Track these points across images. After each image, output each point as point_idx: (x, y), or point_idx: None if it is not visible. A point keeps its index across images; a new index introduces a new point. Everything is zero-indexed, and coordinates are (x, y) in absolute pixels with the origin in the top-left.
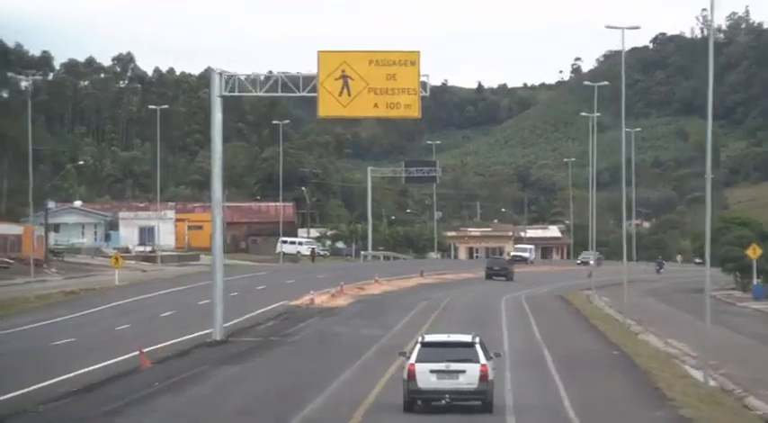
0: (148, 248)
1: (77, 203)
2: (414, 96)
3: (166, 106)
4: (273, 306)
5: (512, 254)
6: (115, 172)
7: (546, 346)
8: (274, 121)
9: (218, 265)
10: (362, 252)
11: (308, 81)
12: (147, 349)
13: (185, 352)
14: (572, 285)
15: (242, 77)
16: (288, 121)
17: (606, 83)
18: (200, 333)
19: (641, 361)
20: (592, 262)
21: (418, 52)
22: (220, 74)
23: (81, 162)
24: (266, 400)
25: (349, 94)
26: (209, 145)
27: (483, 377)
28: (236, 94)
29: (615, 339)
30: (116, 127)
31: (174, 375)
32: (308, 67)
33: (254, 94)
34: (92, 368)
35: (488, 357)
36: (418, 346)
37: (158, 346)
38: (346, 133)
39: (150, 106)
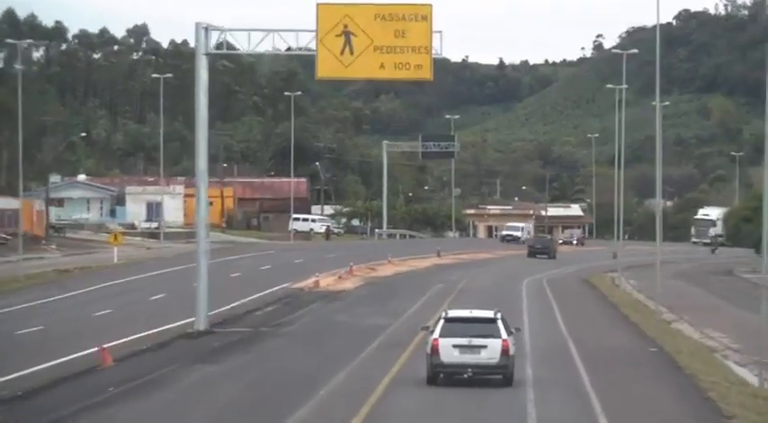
0: (155, 225)
1: (81, 177)
2: (425, 56)
3: (170, 75)
4: (274, 289)
5: (503, 233)
6: (126, 146)
7: (572, 341)
8: (286, 93)
9: (202, 246)
10: (376, 230)
11: (306, 38)
12: (120, 341)
13: (161, 345)
14: (595, 267)
15: (231, 33)
16: (300, 93)
17: (636, 51)
18: (187, 321)
19: (683, 360)
20: (574, 241)
21: (430, 5)
22: (206, 28)
23: (83, 134)
24: (240, 410)
25: (351, 53)
26: (225, 117)
27: (504, 352)
28: (225, 52)
29: (651, 332)
30: (129, 100)
31: (136, 377)
32: (306, 22)
33: (244, 51)
34: (45, 366)
35: (509, 332)
36: (442, 321)
37: (133, 336)
38: (365, 109)
39: (154, 75)
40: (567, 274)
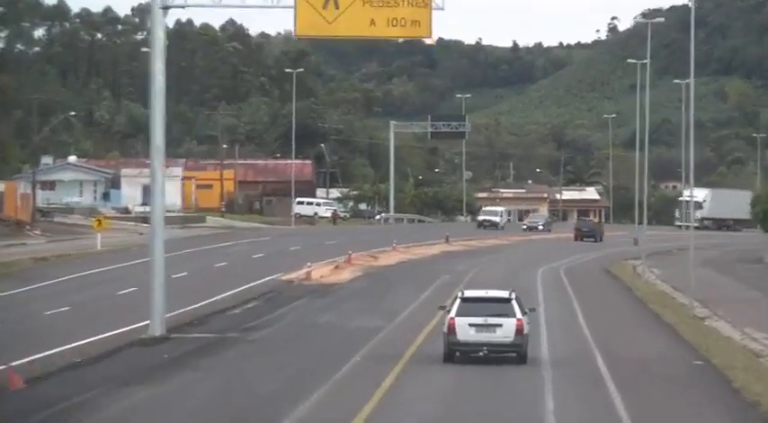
0: (149, 209)
1: (72, 159)
2: (423, 10)
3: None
4: (261, 281)
5: (479, 218)
6: (126, 128)
7: (599, 350)
8: (287, 69)
9: (157, 235)
10: (382, 214)
11: None
12: (61, 348)
13: (100, 357)
14: (614, 254)
15: None
16: (302, 70)
17: (662, 19)
18: (148, 322)
19: (738, 378)
20: (540, 227)
21: None
22: None
23: (73, 113)
24: None
25: (336, 7)
26: (228, 99)
27: (518, 331)
28: (185, 5)
29: (689, 336)
30: (133, 80)
31: (37, 408)
32: None
33: (210, 6)
34: None
35: (524, 312)
36: (458, 301)
37: (75, 344)
38: (376, 90)
39: (143, 49)
40: (586, 262)
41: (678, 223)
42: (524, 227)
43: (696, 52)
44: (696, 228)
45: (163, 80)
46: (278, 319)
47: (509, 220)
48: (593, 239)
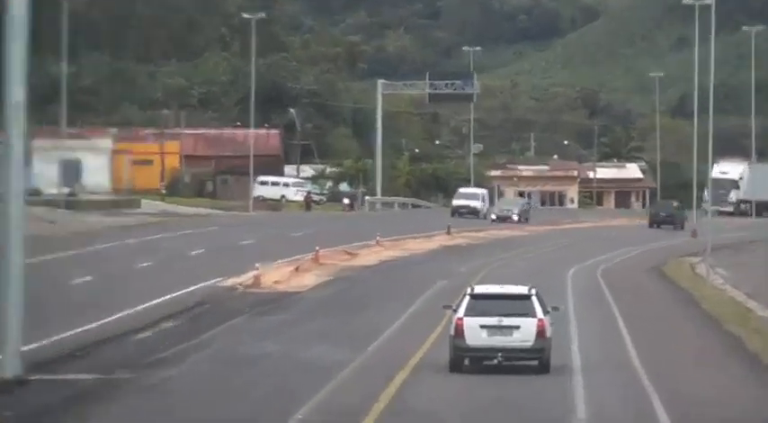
0: (67, 190)
1: None
2: None
3: None
4: (191, 289)
5: (455, 203)
6: (45, 89)
7: (662, 403)
8: (245, 14)
9: (14, 234)
10: (356, 195)
11: None
12: None
13: None
14: (663, 248)
15: None
16: (263, 15)
17: None
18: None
19: None
20: (515, 216)
21: None
22: None
23: None
24: None
25: None
26: (180, 54)
27: (540, 334)
28: None
29: None
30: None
31: None
32: None
33: None
34: None
35: (545, 311)
36: (467, 298)
37: None
38: (362, 44)
39: None
40: (629, 259)
41: (708, 208)
42: (493, 217)
43: (757, 1)
44: (730, 213)
45: (25, 13)
46: (200, 346)
47: (528, 205)
48: (671, 226)
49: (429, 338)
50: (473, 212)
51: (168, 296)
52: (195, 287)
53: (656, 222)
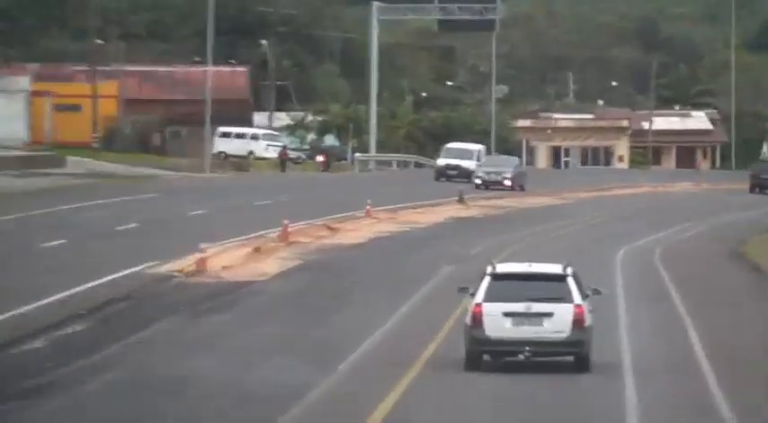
0: None
1: None
2: None
3: None
4: (113, 277)
5: (440, 163)
6: None
7: None
8: None
9: None
10: (326, 150)
11: None
12: None
13: None
14: (739, 222)
15: None
16: None
17: None
18: None
19: None
20: (507, 181)
21: None
22: None
23: None
24: None
25: None
26: None
27: (577, 322)
28: None
29: None
30: None
31: None
32: None
33: None
34: None
35: (584, 296)
36: (487, 278)
37: None
38: None
39: None
40: (696, 236)
41: (757, 189)
42: (477, 181)
43: None
44: None
45: None
46: (105, 365)
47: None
48: None
49: (425, 352)
50: (465, 175)
51: (81, 287)
52: (118, 274)
53: (758, 186)
